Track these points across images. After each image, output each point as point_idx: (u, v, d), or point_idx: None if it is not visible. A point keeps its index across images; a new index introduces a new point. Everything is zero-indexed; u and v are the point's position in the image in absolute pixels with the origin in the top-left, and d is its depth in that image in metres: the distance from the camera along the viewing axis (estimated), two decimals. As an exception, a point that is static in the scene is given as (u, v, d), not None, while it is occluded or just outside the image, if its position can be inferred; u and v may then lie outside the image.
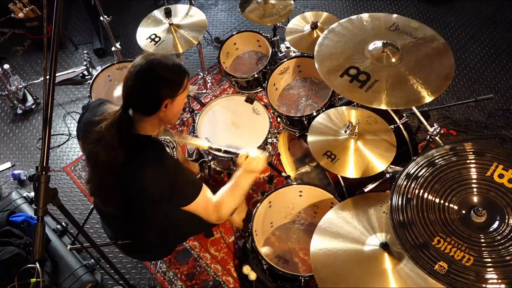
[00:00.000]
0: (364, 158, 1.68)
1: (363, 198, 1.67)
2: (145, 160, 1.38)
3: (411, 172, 1.27)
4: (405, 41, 1.68)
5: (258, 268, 1.77)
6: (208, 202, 1.52)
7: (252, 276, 1.75)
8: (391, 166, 1.68)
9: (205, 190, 1.50)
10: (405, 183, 1.27)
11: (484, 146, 1.25)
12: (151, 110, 1.40)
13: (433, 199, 1.21)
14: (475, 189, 1.21)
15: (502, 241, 1.11)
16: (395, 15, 1.79)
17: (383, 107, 1.51)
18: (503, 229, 1.13)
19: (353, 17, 1.82)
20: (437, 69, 1.57)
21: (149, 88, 1.36)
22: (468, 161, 1.25)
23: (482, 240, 1.12)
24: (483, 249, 1.10)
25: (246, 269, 1.76)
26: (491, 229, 1.14)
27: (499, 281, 1.04)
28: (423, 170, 1.27)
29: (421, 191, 1.23)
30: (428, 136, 1.68)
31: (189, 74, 1.46)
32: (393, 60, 1.62)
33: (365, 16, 1.81)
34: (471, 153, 1.26)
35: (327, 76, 1.64)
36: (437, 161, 1.27)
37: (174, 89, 1.40)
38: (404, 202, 1.23)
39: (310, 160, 2.39)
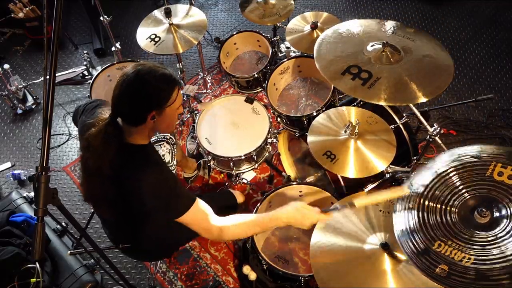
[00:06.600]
0: (364, 158, 1.68)
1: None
2: (140, 169, 1.35)
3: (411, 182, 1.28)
4: (404, 43, 1.68)
5: (258, 268, 1.77)
6: (203, 218, 1.43)
7: (252, 276, 1.75)
8: (391, 166, 1.68)
9: (199, 204, 1.43)
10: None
11: (482, 147, 1.25)
12: (136, 121, 1.35)
13: (434, 205, 1.21)
14: (476, 191, 1.21)
15: (505, 237, 1.11)
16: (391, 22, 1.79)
17: (385, 104, 1.51)
18: (506, 226, 1.13)
19: (350, 21, 1.82)
20: (436, 71, 1.57)
21: (133, 99, 1.31)
22: (467, 164, 1.25)
23: (484, 239, 1.12)
24: (486, 247, 1.11)
25: (246, 269, 1.76)
26: (496, 227, 1.14)
27: (500, 277, 1.04)
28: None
29: (422, 199, 1.23)
30: (428, 136, 1.68)
31: (180, 84, 1.40)
32: (392, 60, 1.62)
33: (361, 21, 1.81)
34: (469, 156, 1.26)
35: (328, 74, 1.63)
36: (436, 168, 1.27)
37: (160, 100, 1.33)
38: (406, 211, 1.23)
39: (310, 165, 2.39)
